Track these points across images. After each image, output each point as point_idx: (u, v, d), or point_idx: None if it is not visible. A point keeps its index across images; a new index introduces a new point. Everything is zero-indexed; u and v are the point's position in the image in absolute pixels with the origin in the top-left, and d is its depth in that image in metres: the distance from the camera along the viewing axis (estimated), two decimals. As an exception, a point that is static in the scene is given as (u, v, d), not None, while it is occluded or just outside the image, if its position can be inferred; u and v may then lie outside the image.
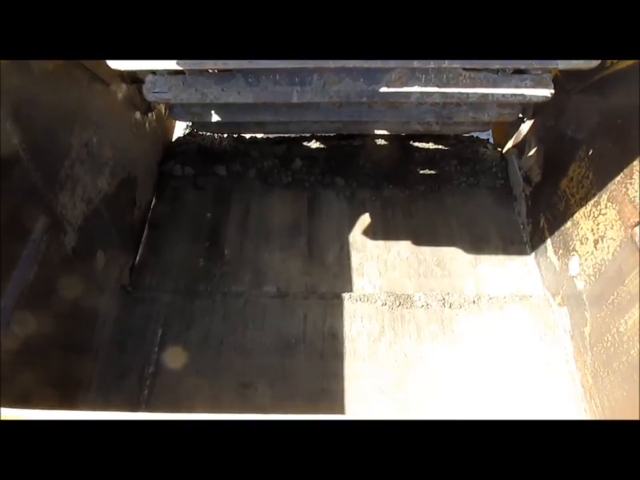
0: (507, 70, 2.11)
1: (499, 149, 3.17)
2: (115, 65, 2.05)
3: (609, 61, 2.04)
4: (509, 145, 3.08)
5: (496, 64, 2.02)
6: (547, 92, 2.13)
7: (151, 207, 2.84)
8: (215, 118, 2.57)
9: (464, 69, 2.11)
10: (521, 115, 2.72)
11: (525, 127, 2.88)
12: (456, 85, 2.14)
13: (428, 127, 2.86)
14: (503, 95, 2.15)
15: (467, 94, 2.15)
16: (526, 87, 2.14)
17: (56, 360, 1.91)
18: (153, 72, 2.15)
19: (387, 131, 2.98)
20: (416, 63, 1.98)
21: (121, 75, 2.29)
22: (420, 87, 2.14)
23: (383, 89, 2.15)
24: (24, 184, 1.70)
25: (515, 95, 2.15)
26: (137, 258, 2.62)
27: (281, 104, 2.47)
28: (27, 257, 1.71)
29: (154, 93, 2.19)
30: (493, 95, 2.16)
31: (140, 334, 2.32)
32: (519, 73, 2.12)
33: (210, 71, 2.14)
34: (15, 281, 1.63)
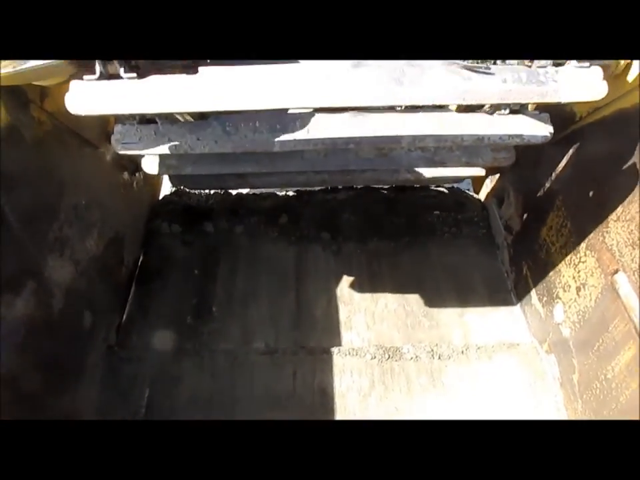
0: (503, 110, 1.97)
1: (479, 199, 3.25)
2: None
3: (580, 114, 2.13)
4: (489, 194, 3.16)
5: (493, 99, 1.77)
6: (546, 131, 1.97)
7: (139, 264, 2.85)
8: (192, 170, 2.35)
9: (457, 111, 2.00)
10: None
11: (503, 176, 2.98)
12: (450, 126, 1.98)
13: (418, 176, 2.73)
14: (500, 137, 2.00)
15: (462, 136, 1.99)
16: (523, 127, 1.99)
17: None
18: (122, 122, 1.95)
19: (375, 181, 2.98)
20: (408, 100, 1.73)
21: (108, 137, 2.34)
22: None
23: (372, 134, 1.97)
24: (13, 247, 1.71)
25: (512, 135, 1.98)
26: (124, 316, 2.61)
27: (262, 153, 2.27)
28: (14, 319, 1.70)
29: (123, 144, 1.93)
30: (489, 136, 2.01)
31: (127, 394, 2.28)
32: (515, 113, 1.98)
33: (182, 119, 1.95)
34: (2, 344, 1.62)
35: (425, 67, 1.55)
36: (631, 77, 1.77)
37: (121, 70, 1.40)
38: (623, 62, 1.78)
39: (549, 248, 2.36)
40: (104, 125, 2.34)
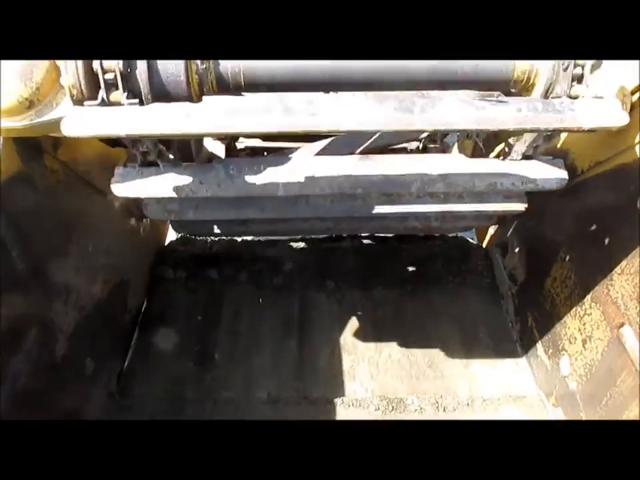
0: (515, 156, 1.91)
1: (483, 248, 3.27)
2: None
3: (581, 167, 2.17)
4: (493, 243, 3.18)
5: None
6: (560, 176, 1.90)
7: (142, 310, 2.85)
8: (193, 215, 2.23)
9: (469, 155, 1.96)
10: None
11: (507, 226, 3.00)
12: (461, 171, 1.93)
13: (427, 224, 2.59)
14: (513, 183, 1.93)
15: (474, 181, 1.92)
16: (537, 172, 1.92)
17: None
18: (124, 164, 1.91)
19: (382, 229, 2.95)
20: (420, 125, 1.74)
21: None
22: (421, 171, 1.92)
23: (380, 174, 1.93)
24: (19, 292, 1.72)
25: (526, 181, 1.91)
26: (126, 363, 2.59)
27: (266, 198, 2.19)
28: (17, 366, 1.70)
29: (123, 185, 1.84)
30: (502, 182, 1.94)
31: (126, 444, 2.24)
32: (527, 158, 1.92)
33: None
34: (3, 389, 1.62)
35: (435, 99, 1.48)
36: (630, 133, 1.81)
37: (124, 96, 1.36)
38: (622, 118, 1.82)
39: (554, 299, 2.35)
40: (113, 173, 2.39)
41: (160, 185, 1.86)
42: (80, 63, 1.29)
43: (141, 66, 1.34)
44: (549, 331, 2.40)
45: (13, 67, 1.43)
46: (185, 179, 1.88)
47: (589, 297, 2.08)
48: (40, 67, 1.44)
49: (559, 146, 2.23)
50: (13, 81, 1.42)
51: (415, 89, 1.62)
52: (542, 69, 1.48)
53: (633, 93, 1.78)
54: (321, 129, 1.41)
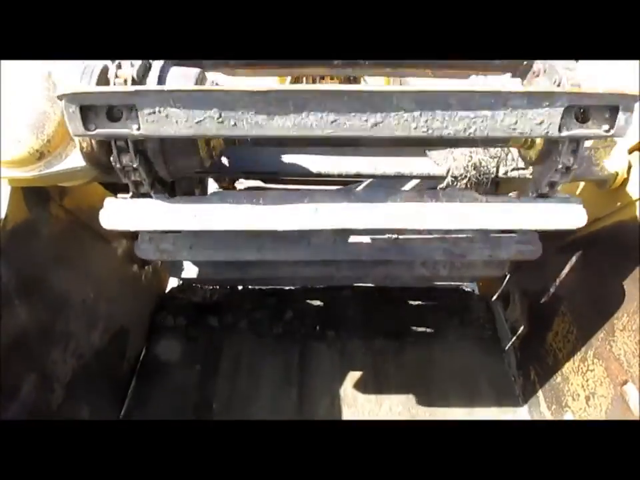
0: (531, 194, 1.76)
1: (485, 300, 3.25)
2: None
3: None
4: (494, 295, 3.17)
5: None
6: (579, 217, 1.71)
7: (141, 358, 2.82)
8: (188, 256, 2.10)
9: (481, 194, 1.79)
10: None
11: (509, 278, 3.00)
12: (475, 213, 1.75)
13: (434, 272, 2.46)
14: (527, 224, 1.78)
15: (487, 223, 1.73)
16: (553, 213, 1.73)
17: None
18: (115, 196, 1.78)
19: (387, 278, 2.89)
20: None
21: (122, 232, 2.39)
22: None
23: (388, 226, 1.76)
24: (18, 339, 1.71)
25: (543, 221, 1.72)
26: (123, 411, 2.55)
27: (265, 238, 2.09)
28: (13, 414, 1.67)
29: (112, 218, 1.67)
30: (516, 223, 1.78)
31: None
32: (543, 197, 1.74)
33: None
34: None
35: None
36: (626, 191, 1.84)
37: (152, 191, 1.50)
38: (620, 176, 1.85)
39: (556, 354, 2.33)
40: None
41: (151, 217, 1.69)
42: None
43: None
44: (552, 386, 2.37)
45: (25, 118, 1.47)
46: (177, 211, 1.69)
47: (591, 352, 2.07)
48: (52, 120, 1.48)
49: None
50: (24, 132, 1.46)
51: None
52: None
53: (630, 152, 1.82)
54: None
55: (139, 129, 1.27)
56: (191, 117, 1.27)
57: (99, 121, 1.27)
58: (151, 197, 1.73)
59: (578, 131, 1.36)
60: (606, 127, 1.36)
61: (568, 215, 1.73)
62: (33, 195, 1.76)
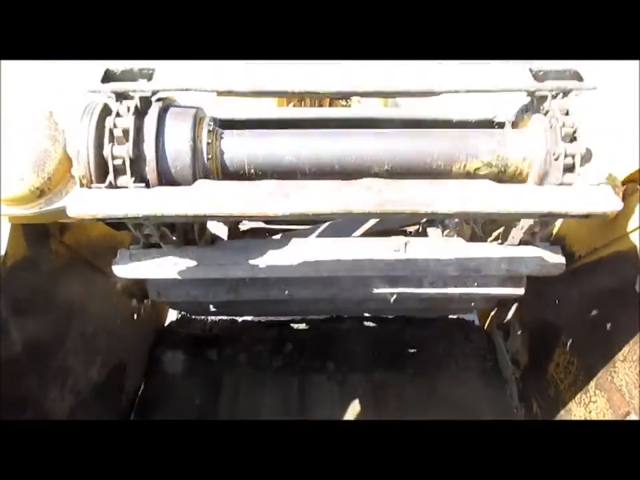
0: (513, 240, 1.85)
1: (486, 331, 3.24)
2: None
3: (579, 253, 2.19)
4: (495, 326, 3.16)
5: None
6: (557, 263, 1.88)
7: (139, 392, 2.80)
8: (193, 297, 2.16)
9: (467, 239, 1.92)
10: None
11: (508, 309, 2.99)
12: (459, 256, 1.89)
13: (429, 305, 2.49)
14: (511, 268, 1.89)
15: (472, 265, 1.90)
16: (534, 258, 1.86)
17: None
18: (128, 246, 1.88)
19: (384, 310, 2.93)
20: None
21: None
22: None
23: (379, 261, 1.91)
24: (15, 375, 1.70)
25: (525, 266, 1.87)
26: (120, 448, 2.52)
27: (267, 280, 2.11)
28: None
29: (125, 267, 1.83)
30: (500, 267, 1.90)
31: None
32: (525, 244, 1.87)
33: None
34: None
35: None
36: (624, 221, 1.85)
37: (131, 181, 1.39)
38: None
39: (558, 385, 2.31)
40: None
41: (161, 267, 1.84)
42: (91, 151, 1.35)
43: (149, 154, 1.40)
44: (555, 418, 2.34)
45: (26, 157, 1.49)
46: (186, 261, 1.86)
47: (593, 383, 2.05)
48: (53, 158, 1.51)
49: (555, 232, 2.27)
50: (25, 170, 1.48)
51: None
52: (534, 160, 1.53)
53: (624, 184, 1.83)
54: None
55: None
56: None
57: None
58: (160, 246, 1.84)
59: None
60: None
61: (548, 262, 1.84)
62: (33, 232, 1.78)
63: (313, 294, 2.23)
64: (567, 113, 1.47)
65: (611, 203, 1.44)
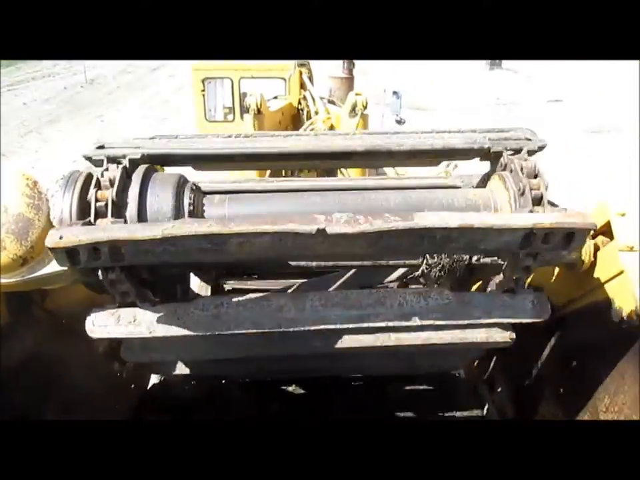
0: (496, 287, 1.91)
1: (471, 383, 3.22)
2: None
3: (557, 304, 2.22)
4: (480, 379, 3.15)
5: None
6: (545, 309, 1.89)
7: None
8: (173, 356, 2.13)
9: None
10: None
11: (492, 362, 2.99)
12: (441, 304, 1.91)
13: (410, 363, 2.48)
14: (496, 316, 1.91)
15: (456, 314, 1.91)
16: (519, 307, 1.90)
17: None
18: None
19: (365, 369, 2.91)
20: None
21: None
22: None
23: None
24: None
25: (510, 314, 1.91)
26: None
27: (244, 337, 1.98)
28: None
29: (98, 327, 1.78)
30: (484, 315, 1.91)
31: None
32: (509, 291, 1.90)
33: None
34: None
35: None
36: (597, 272, 1.90)
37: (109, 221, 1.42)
38: (587, 259, 1.91)
39: (545, 438, 2.30)
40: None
41: (138, 327, 1.79)
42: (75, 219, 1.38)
43: (132, 201, 1.45)
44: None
45: (9, 226, 1.50)
46: (162, 318, 1.80)
47: (578, 436, 2.05)
48: (36, 226, 1.53)
49: (533, 282, 2.31)
50: (8, 239, 1.50)
51: None
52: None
53: (593, 237, 1.90)
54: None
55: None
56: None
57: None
58: (136, 305, 1.81)
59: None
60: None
61: (534, 308, 1.88)
62: (15, 299, 1.78)
63: (294, 349, 2.13)
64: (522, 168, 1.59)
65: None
